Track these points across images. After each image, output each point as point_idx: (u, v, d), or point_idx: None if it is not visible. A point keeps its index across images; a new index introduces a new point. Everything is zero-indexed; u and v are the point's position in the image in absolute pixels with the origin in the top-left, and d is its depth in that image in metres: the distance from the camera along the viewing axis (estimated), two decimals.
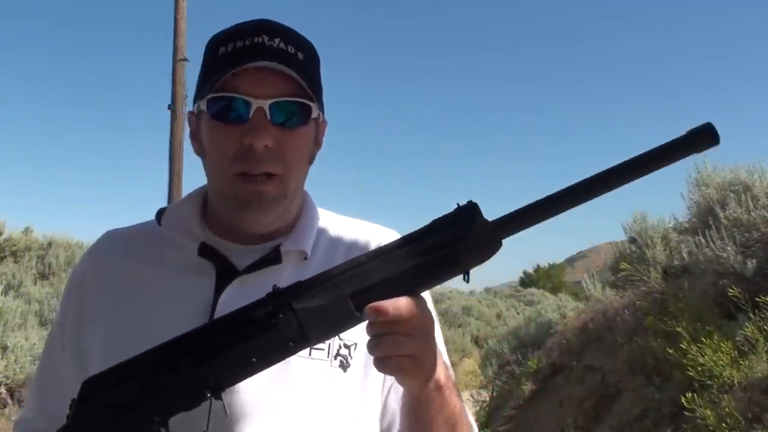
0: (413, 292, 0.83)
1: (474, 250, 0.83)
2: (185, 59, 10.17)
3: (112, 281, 1.06)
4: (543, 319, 8.51)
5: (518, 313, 17.13)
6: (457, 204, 0.84)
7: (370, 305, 0.80)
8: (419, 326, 0.83)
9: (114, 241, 1.12)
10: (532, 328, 8.29)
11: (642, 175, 0.85)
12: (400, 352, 0.82)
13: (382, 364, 0.83)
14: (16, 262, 10.43)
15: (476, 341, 15.62)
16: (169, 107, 10.12)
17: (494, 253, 0.84)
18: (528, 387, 6.39)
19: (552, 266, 31.92)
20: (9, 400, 6.12)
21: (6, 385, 6.13)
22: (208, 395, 0.81)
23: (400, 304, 0.80)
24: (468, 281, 0.84)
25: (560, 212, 0.85)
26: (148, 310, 1.01)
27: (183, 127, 10.07)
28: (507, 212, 0.85)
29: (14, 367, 6.17)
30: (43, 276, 10.51)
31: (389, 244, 0.85)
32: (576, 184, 0.85)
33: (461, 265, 0.83)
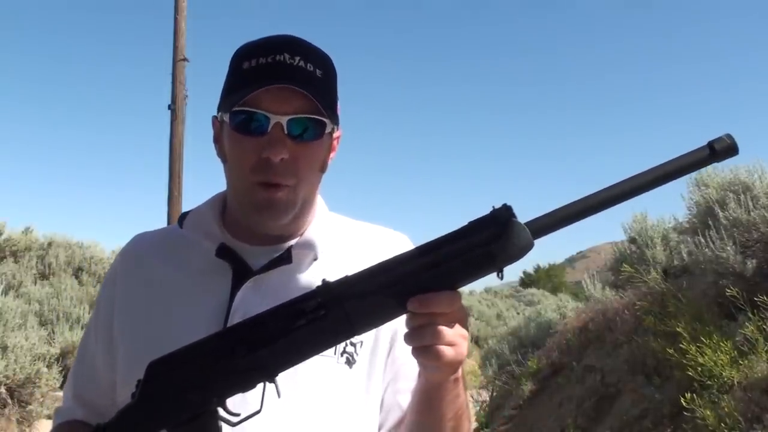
0: (453, 286, 0.89)
1: (510, 249, 0.88)
2: (185, 59, 10.16)
3: (138, 279, 1.15)
4: (543, 319, 8.51)
5: (518, 313, 17.09)
6: (493, 206, 0.89)
7: (415, 297, 0.87)
8: (458, 318, 0.90)
9: (141, 243, 1.21)
10: (532, 328, 8.29)
11: (660, 185, 0.91)
12: (442, 341, 0.88)
13: (423, 353, 0.90)
14: (16, 262, 10.43)
15: (476, 341, 15.61)
16: (169, 107, 10.11)
17: (527, 253, 0.89)
18: (528, 387, 6.40)
19: (552, 266, 31.94)
20: (9, 400, 6.12)
21: (6, 385, 6.12)
22: (262, 379, 0.88)
23: (443, 297, 0.87)
24: (502, 278, 0.90)
25: (585, 217, 0.91)
26: (170, 307, 1.09)
27: (183, 127, 10.08)
28: (538, 215, 0.90)
29: (14, 367, 6.16)
30: (43, 276, 10.51)
31: (432, 242, 0.90)
32: (601, 191, 0.91)
33: (497, 264, 0.88)
